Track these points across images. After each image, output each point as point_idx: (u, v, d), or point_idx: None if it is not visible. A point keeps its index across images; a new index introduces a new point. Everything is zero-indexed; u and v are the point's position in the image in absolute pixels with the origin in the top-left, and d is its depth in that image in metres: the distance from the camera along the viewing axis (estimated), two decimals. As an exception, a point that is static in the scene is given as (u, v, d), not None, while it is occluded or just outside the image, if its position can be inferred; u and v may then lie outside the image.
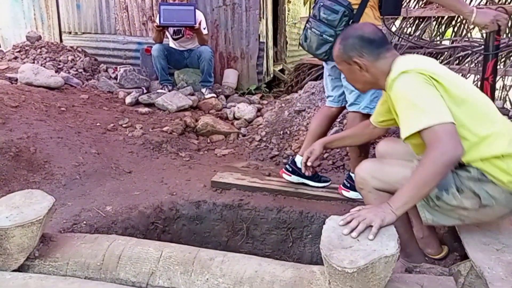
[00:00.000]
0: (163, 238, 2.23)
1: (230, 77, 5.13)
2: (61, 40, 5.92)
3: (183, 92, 4.32)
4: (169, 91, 4.30)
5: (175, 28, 4.53)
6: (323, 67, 5.16)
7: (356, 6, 2.02)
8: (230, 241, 2.37)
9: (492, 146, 1.36)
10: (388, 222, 1.25)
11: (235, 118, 4.08)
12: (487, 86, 1.93)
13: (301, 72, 5.55)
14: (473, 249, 1.37)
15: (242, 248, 2.35)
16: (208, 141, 3.60)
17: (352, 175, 2.33)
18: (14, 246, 1.38)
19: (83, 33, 5.85)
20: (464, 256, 1.62)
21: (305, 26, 2.17)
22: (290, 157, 2.47)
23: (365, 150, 2.26)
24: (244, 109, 4.11)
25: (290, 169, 2.47)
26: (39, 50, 4.93)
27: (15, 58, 4.83)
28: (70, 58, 4.88)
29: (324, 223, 1.28)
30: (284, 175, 2.48)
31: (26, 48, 5.01)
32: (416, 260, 1.63)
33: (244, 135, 3.70)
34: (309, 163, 1.98)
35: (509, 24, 4.02)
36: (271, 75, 5.89)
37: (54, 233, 1.62)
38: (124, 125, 3.38)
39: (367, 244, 1.14)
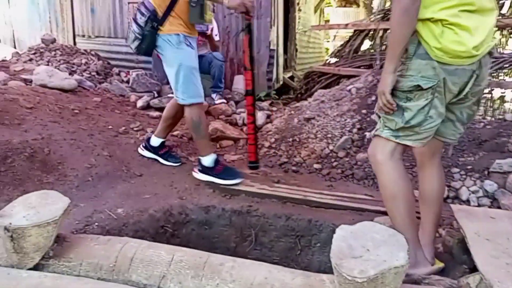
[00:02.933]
0: (172, 242, 2.25)
1: (240, 83, 5.17)
2: (74, 43, 6.01)
3: (194, 97, 4.37)
4: (180, 96, 4.35)
5: (187, 34, 4.58)
6: (333, 76, 5.19)
7: (161, 14, 2.47)
8: (239, 247, 2.38)
9: (435, 11, 1.48)
10: (387, 84, 1.54)
11: (244, 124, 4.11)
12: (245, 56, 2.71)
13: (311, 80, 5.59)
14: (483, 262, 1.38)
15: (250, 255, 2.36)
16: (218, 146, 3.62)
17: (201, 158, 2.65)
18: (30, 245, 1.41)
19: (97, 36, 5.94)
20: (473, 270, 1.62)
21: (129, 27, 2.70)
22: (146, 136, 3.07)
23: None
24: (253, 116, 4.13)
25: (144, 146, 2.95)
26: (53, 53, 5.02)
27: (30, 60, 4.92)
28: (83, 61, 4.95)
29: (332, 232, 1.30)
30: (140, 150, 2.96)
31: (41, 50, 5.11)
32: (422, 269, 1.65)
33: (253, 142, 3.72)
34: None
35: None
36: (281, 82, 5.93)
37: (68, 234, 1.65)
38: (135, 129, 3.43)
39: (377, 254, 1.16)
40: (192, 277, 1.38)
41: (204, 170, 2.62)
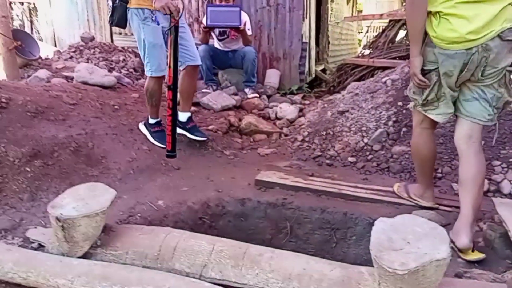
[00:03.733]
0: (210, 233, 2.30)
1: (272, 77, 5.19)
2: (112, 41, 6.19)
3: (227, 91, 4.42)
4: (214, 90, 4.42)
5: (221, 29, 4.64)
6: (367, 68, 5.11)
7: None
8: (274, 239, 2.42)
9: (437, 5, 1.73)
10: (415, 66, 1.84)
11: (277, 118, 4.13)
12: (168, 55, 2.62)
13: (344, 72, 5.52)
14: (527, 258, 1.35)
15: (285, 247, 2.38)
16: (251, 140, 3.66)
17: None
18: (80, 235, 1.50)
19: (132, 34, 6.08)
20: (517, 265, 1.58)
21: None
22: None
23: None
24: (286, 109, 4.14)
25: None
26: (92, 50, 5.20)
27: (71, 57, 5.12)
28: (121, 58, 5.10)
29: (369, 226, 1.31)
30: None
31: (81, 48, 5.29)
32: (461, 241, 1.73)
33: (286, 135, 3.73)
34: None
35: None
36: (313, 75, 5.89)
37: (114, 224, 1.74)
38: (171, 123, 3.52)
39: (418, 247, 1.16)
40: (233, 267, 1.43)
41: (146, 124, 3.09)
